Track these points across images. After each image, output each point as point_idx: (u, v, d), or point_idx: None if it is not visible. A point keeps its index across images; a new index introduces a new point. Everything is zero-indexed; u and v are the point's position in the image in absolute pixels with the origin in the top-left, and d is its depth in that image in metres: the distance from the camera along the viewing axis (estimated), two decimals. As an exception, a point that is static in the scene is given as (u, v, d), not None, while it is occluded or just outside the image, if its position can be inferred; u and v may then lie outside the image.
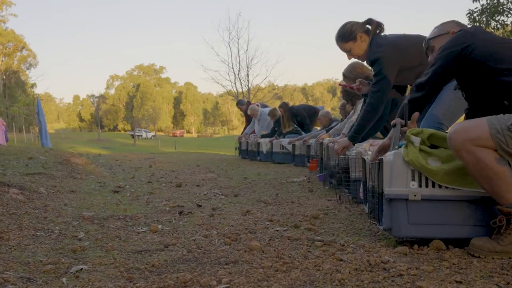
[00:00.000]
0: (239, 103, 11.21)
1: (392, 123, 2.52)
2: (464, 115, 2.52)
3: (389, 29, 3.64)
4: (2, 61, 59.51)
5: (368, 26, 3.57)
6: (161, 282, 1.84)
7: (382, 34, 3.57)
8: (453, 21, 2.64)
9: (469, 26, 2.46)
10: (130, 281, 1.88)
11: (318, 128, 8.53)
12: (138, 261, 2.19)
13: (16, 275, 1.90)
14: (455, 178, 2.17)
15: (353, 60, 3.93)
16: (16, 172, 4.97)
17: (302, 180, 5.57)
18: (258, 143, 9.44)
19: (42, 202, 3.69)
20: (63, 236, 2.70)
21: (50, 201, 3.79)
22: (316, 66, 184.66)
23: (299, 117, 8.67)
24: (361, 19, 3.73)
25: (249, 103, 11.10)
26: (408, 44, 3.48)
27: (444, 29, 2.59)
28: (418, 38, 3.50)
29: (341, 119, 6.90)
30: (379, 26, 3.55)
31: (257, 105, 10.57)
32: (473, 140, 2.03)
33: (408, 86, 3.83)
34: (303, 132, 8.95)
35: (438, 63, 2.32)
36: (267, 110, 10.06)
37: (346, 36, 3.56)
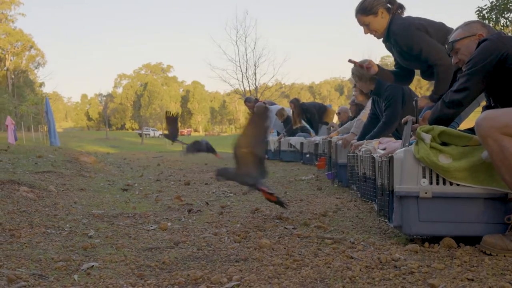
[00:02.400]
0: (247, 100, 11.17)
1: (403, 121, 2.51)
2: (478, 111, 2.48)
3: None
4: (10, 60, 59.82)
5: (389, 5, 3.51)
6: (172, 279, 1.85)
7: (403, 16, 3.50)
8: (477, 22, 2.55)
9: (489, 24, 2.40)
10: (141, 278, 1.88)
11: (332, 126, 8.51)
12: (148, 258, 2.20)
13: (28, 272, 1.92)
14: (466, 175, 2.15)
15: (363, 59, 3.88)
16: (26, 171, 5.01)
17: (310, 178, 5.57)
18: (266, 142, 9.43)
19: (52, 200, 3.71)
20: (74, 233, 2.71)
21: (60, 199, 3.82)
22: (323, 65, 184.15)
23: (309, 114, 8.61)
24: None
25: (257, 100, 11.08)
26: (429, 28, 3.42)
27: (470, 31, 2.48)
28: (441, 25, 3.45)
29: (351, 117, 6.85)
30: (400, 7, 3.49)
31: (264, 103, 10.55)
32: (500, 128, 2.01)
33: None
34: (311, 130, 8.93)
35: (474, 78, 2.25)
36: (274, 108, 10.04)
37: (367, 9, 3.48)
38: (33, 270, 1.96)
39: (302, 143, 8.09)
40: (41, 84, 64.15)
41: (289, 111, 9.39)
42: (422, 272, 1.83)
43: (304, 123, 8.98)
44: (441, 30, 3.40)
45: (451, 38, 2.54)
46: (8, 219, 2.89)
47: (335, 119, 8.62)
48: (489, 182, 2.14)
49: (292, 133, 8.93)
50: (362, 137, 4.34)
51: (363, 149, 3.69)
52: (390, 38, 3.50)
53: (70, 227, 2.86)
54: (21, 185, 3.91)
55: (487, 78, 2.24)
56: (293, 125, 8.89)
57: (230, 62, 49.34)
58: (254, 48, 36.26)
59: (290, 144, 8.59)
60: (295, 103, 8.70)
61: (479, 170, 2.14)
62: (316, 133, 8.44)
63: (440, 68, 3.40)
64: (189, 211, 3.48)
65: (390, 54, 3.81)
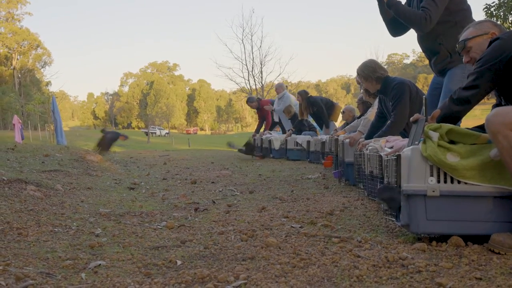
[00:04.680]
0: (249, 101, 11.07)
1: (411, 119, 2.49)
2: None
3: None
4: (17, 59, 60.13)
5: None
6: (179, 277, 1.85)
7: None
8: (488, 21, 2.54)
9: (499, 23, 2.40)
10: (148, 277, 1.89)
11: (336, 123, 8.48)
12: (155, 257, 2.20)
13: (36, 271, 1.92)
14: (474, 174, 2.14)
15: (369, 59, 3.88)
16: (33, 169, 5.02)
17: (317, 177, 5.55)
18: (269, 140, 9.40)
19: (59, 199, 3.72)
20: (81, 232, 2.72)
21: (67, 198, 3.83)
22: (329, 63, 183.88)
23: (315, 107, 8.54)
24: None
25: (259, 99, 11.05)
26: None
27: (482, 29, 2.48)
28: (467, 7, 3.50)
29: (359, 115, 6.83)
30: None
31: (286, 86, 10.57)
32: (510, 124, 2.00)
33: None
34: (318, 128, 8.89)
35: (484, 76, 2.25)
36: (287, 96, 10.04)
37: None
38: (40, 269, 1.97)
39: (308, 142, 8.06)
40: (48, 83, 64.43)
41: (296, 106, 9.36)
42: (429, 271, 1.82)
43: (310, 118, 8.94)
44: (463, 5, 3.44)
45: (463, 36, 2.53)
46: (16, 217, 2.90)
47: (340, 118, 8.59)
48: (497, 180, 2.13)
49: (299, 130, 8.90)
50: (369, 135, 4.33)
51: (370, 148, 3.67)
52: None
53: (77, 226, 2.87)
54: (28, 184, 3.93)
55: (497, 76, 2.22)
56: (299, 116, 8.84)
57: (236, 60, 49.08)
58: (261, 46, 36.05)
59: (297, 143, 8.56)
60: (303, 95, 8.61)
61: (487, 169, 2.13)
62: (327, 126, 8.40)
63: (423, 13, 3.44)
64: (196, 209, 3.48)
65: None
